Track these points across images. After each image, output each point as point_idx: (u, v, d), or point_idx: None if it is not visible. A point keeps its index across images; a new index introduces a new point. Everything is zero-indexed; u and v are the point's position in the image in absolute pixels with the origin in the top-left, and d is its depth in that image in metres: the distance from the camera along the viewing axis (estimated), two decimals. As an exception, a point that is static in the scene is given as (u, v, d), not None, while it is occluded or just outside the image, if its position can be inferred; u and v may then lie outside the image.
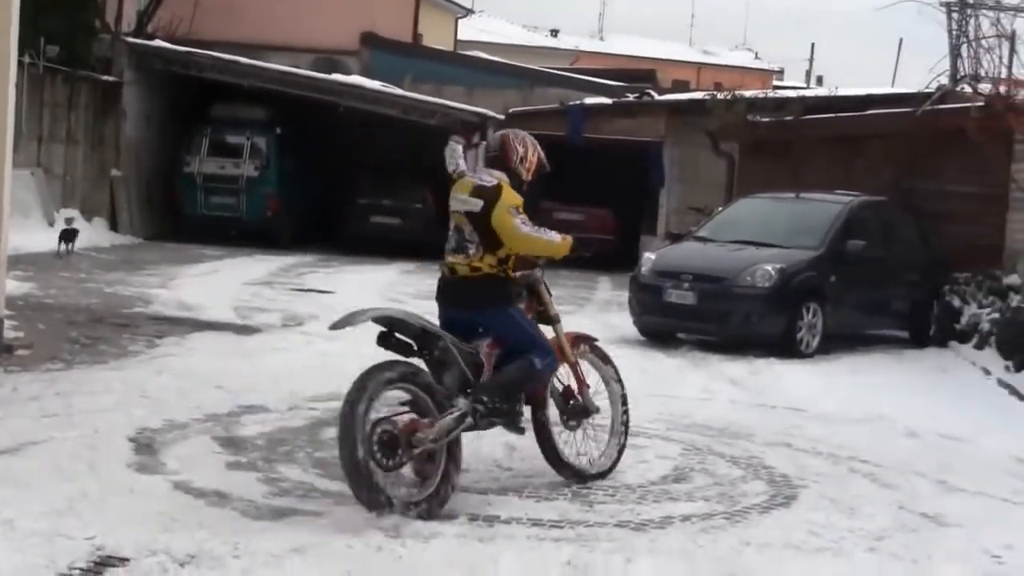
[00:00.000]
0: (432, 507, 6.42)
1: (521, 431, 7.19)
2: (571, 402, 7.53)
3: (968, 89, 16.65)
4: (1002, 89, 14.55)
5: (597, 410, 7.59)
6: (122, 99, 24.81)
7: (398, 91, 26.97)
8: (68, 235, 20.29)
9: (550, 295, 7.51)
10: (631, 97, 27.77)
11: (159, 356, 11.03)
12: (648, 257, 15.48)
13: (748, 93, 24.15)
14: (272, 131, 25.75)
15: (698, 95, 27.07)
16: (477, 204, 7.04)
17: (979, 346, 14.24)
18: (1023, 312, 13.29)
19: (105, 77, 24.56)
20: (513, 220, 7.00)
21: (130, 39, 25.75)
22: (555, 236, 7.21)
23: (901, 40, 31.27)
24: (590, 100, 27.38)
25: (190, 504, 6.33)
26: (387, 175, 26.61)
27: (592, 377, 7.69)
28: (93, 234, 22.39)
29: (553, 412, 7.45)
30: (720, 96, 23.73)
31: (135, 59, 25.26)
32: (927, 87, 19.04)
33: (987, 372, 13.07)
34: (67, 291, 15.20)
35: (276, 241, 24.99)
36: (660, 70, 42.66)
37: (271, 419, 8.61)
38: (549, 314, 7.46)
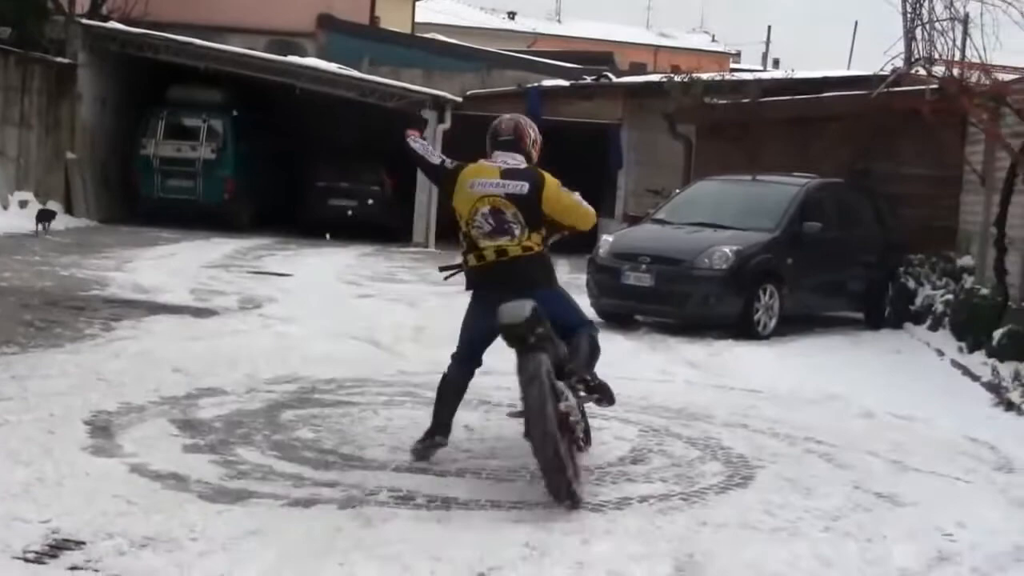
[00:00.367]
0: (581, 492, 6.46)
1: (614, 401, 7.38)
2: None
3: (922, 72, 16.73)
4: (955, 72, 14.61)
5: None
6: (77, 82, 24.62)
7: (355, 73, 26.90)
8: (45, 215, 20.45)
9: None
10: (589, 80, 27.79)
11: (115, 339, 10.95)
12: (606, 239, 15.51)
13: (705, 76, 24.26)
14: (229, 114, 25.64)
15: (655, 78, 27.17)
16: (522, 186, 7.12)
17: (933, 327, 14.35)
18: (976, 294, 13.41)
19: (59, 59, 24.35)
20: (573, 196, 7.30)
21: (84, 21, 25.53)
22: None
23: (856, 23, 31.51)
24: (548, 83, 27.40)
25: (147, 487, 6.29)
26: (345, 158, 26.58)
27: None
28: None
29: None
30: (677, 79, 23.82)
31: (89, 41, 25.06)
32: (882, 70, 19.16)
33: (941, 353, 13.17)
34: (21, 274, 15.07)
35: (234, 224, 24.93)
36: (617, 53, 42.66)
37: (229, 402, 8.57)
38: None
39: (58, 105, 24.22)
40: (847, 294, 16.09)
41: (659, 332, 14.14)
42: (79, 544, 5.35)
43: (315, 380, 9.54)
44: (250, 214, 25.96)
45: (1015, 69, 15.86)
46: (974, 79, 14.16)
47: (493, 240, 7.12)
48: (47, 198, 23.17)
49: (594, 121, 26.21)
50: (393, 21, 36.61)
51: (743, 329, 14.08)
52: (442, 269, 7.83)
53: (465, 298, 7.46)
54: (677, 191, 17.85)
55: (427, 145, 7.78)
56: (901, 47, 17.56)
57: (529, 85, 27.02)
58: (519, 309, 6.59)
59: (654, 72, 36.13)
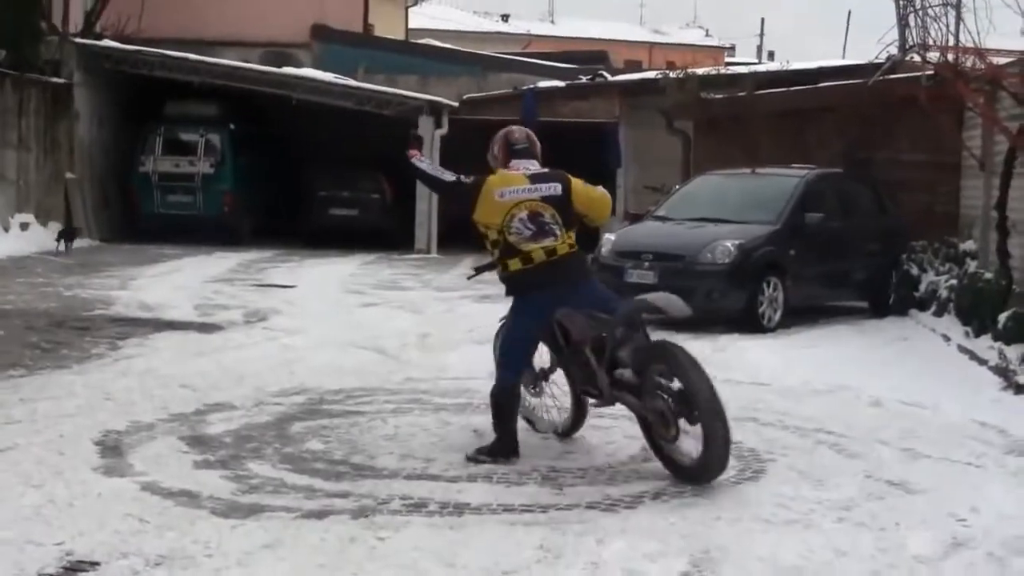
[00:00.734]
0: None
1: None
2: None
3: (917, 59, 16.72)
4: (950, 57, 14.60)
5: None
6: (73, 101, 24.62)
7: (351, 82, 26.88)
8: (67, 234, 21.40)
9: None
10: (584, 79, 27.78)
11: (122, 358, 10.96)
12: (608, 238, 15.49)
13: (700, 71, 24.21)
14: (226, 127, 25.64)
15: (651, 75, 27.11)
16: (555, 187, 7.58)
17: (938, 313, 14.33)
18: (980, 278, 13.40)
19: (55, 79, 24.34)
20: (599, 189, 7.82)
21: (78, 40, 25.52)
22: None
23: (850, 12, 31.50)
24: (543, 84, 27.38)
25: (159, 505, 6.30)
26: (344, 167, 26.56)
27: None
28: (49, 238, 22.21)
29: None
30: (672, 75, 23.77)
31: (84, 60, 25.06)
32: (877, 58, 19.13)
33: (947, 338, 13.16)
34: (25, 296, 15.08)
35: (235, 237, 24.92)
36: (612, 51, 42.65)
37: (237, 416, 8.57)
38: None
39: (55, 126, 24.23)
40: (851, 283, 16.08)
41: (664, 329, 14.04)
42: (93, 565, 5.35)
43: (323, 391, 9.54)
44: (251, 227, 25.97)
45: (1009, 52, 15.85)
46: (969, 64, 14.14)
47: (538, 242, 7.45)
48: (48, 219, 23.17)
49: (591, 120, 26.20)
50: (387, 28, 36.65)
51: (748, 322, 14.08)
52: (478, 271, 8.15)
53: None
54: (677, 187, 17.84)
55: (432, 163, 7.99)
56: (895, 34, 17.49)
57: (525, 87, 27.00)
58: (678, 301, 7.42)
59: (649, 69, 36.04)
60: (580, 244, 7.66)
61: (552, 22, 66.77)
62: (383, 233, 26.05)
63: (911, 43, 16.76)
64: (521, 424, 7.80)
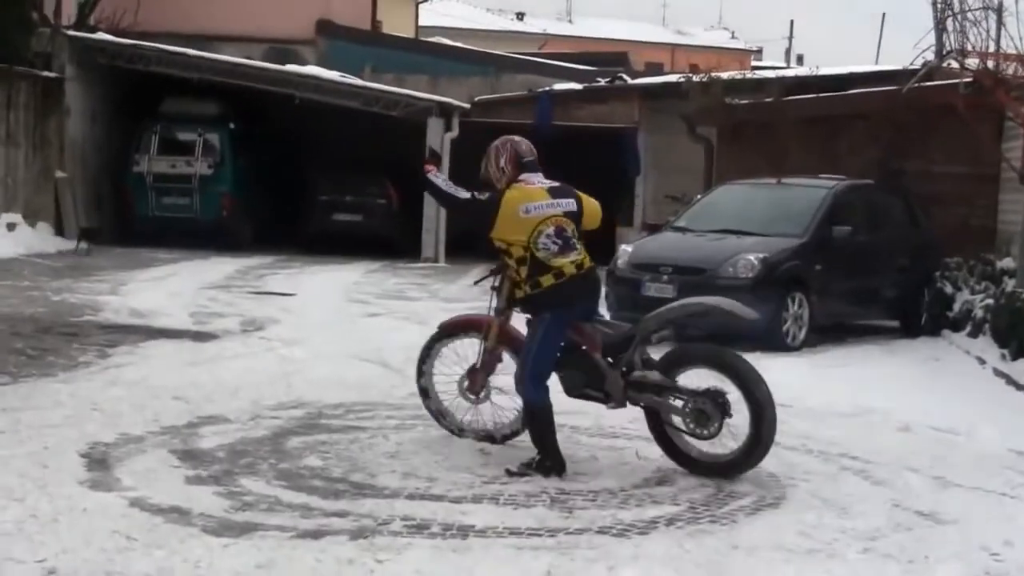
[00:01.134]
0: None
1: None
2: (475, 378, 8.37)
3: (955, 65, 16.73)
4: (990, 64, 14.61)
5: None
6: (65, 96, 24.66)
7: (358, 81, 26.92)
8: (88, 233, 22.25)
9: None
10: (602, 82, 27.81)
11: (111, 367, 10.97)
12: (625, 249, 15.50)
13: (725, 75, 24.27)
14: (225, 127, 25.68)
15: (673, 78, 27.19)
16: (571, 203, 7.92)
17: (973, 334, 14.31)
18: (1018, 297, 13.37)
19: (46, 73, 24.40)
20: (595, 202, 8.16)
21: (71, 32, 25.59)
22: None
23: (884, 15, 31.51)
24: (559, 86, 27.41)
25: (148, 522, 6.30)
26: (348, 170, 26.58)
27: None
28: (37, 239, 22.29)
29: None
30: (696, 79, 23.82)
31: (77, 53, 25.12)
32: (912, 64, 19.12)
33: (982, 361, 13.14)
34: (10, 300, 15.11)
35: (233, 242, 24.95)
36: (632, 53, 42.76)
37: (232, 430, 8.58)
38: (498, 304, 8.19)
39: (45, 121, 24.29)
40: (880, 301, 16.06)
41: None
42: (77, 583, 5.37)
43: (322, 405, 9.55)
44: (250, 231, 26.01)
45: (1053, 60, 15.84)
46: (1010, 71, 14.14)
47: (566, 256, 7.78)
48: (36, 220, 23.23)
49: (609, 125, 26.20)
50: (396, 26, 36.72)
51: (771, 340, 14.04)
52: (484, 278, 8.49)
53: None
54: (698, 197, 17.84)
55: (447, 180, 8.15)
56: (932, 39, 17.49)
57: (540, 89, 27.04)
58: (742, 307, 8.16)
59: (671, 72, 36.21)
60: (595, 254, 8.06)
61: (570, 21, 66.93)
62: (388, 240, 26.08)
63: (949, 49, 16.75)
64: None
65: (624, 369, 7.88)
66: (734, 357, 7.88)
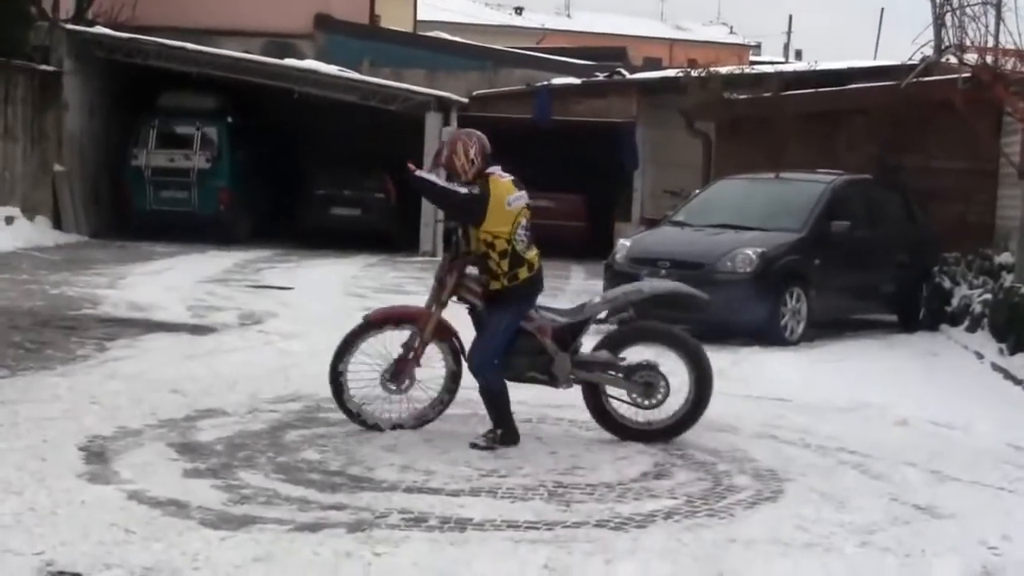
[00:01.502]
0: None
1: None
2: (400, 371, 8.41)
3: (954, 60, 16.72)
4: (989, 59, 14.60)
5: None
6: (63, 90, 24.63)
7: (356, 76, 26.91)
8: None
9: None
10: (601, 76, 27.79)
11: (109, 360, 10.97)
12: (623, 244, 15.51)
13: (724, 69, 24.21)
14: (223, 121, 25.64)
15: (671, 73, 27.12)
16: (526, 196, 8.25)
17: (971, 329, 14.31)
18: (1016, 292, 13.38)
19: (43, 67, 24.37)
20: None
21: (69, 26, 25.56)
22: None
23: (883, 10, 31.44)
24: (558, 81, 27.40)
25: (146, 515, 6.31)
26: (346, 164, 26.57)
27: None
28: (35, 233, 22.26)
29: None
30: (694, 73, 23.77)
31: (75, 47, 25.09)
32: (910, 59, 19.12)
33: (980, 356, 13.15)
34: (8, 293, 15.11)
35: (231, 236, 24.93)
36: (631, 47, 42.74)
37: (230, 423, 8.58)
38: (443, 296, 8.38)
39: (43, 115, 24.25)
40: (879, 296, 16.06)
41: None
42: (75, 576, 5.37)
43: (320, 398, 9.52)
44: (248, 225, 25.99)
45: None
46: (1009, 66, 14.14)
47: (532, 249, 8.21)
48: (34, 214, 23.20)
49: (607, 120, 26.20)
50: (394, 20, 36.69)
51: (769, 335, 14.06)
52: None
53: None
54: (696, 191, 17.84)
55: (439, 176, 8.19)
56: (930, 34, 17.50)
57: (538, 84, 27.04)
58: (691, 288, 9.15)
59: (670, 67, 36.12)
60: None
61: (568, 16, 66.92)
62: (386, 234, 26.06)
63: (947, 44, 16.76)
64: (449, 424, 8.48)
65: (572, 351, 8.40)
66: (679, 332, 8.72)
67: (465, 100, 26.20)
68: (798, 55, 57.54)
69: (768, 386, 11.29)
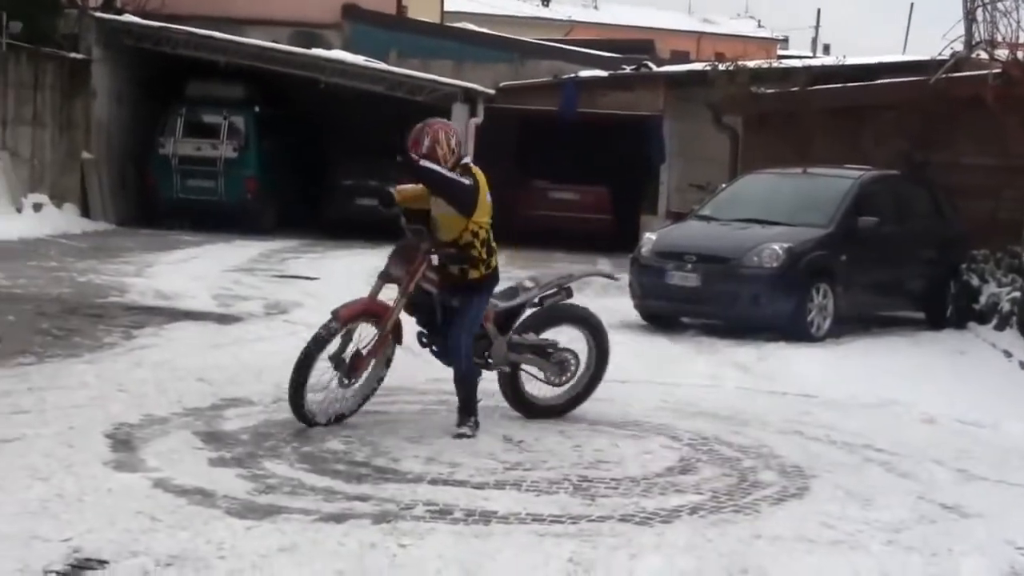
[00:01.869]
0: None
1: None
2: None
3: (984, 56, 16.63)
4: (1020, 55, 14.52)
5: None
6: (91, 78, 24.73)
7: (383, 66, 26.92)
8: None
9: None
10: (628, 69, 27.73)
11: (136, 348, 11.02)
12: (649, 237, 15.47)
13: (751, 63, 24.17)
14: (251, 110, 25.69)
15: (699, 66, 27.08)
16: None
17: (999, 327, 14.24)
18: (1044, 290, 13.32)
19: (72, 55, 24.48)
20: None
21: (98, 14, 25.65)
22: None
23: (912, 5, 31.32)
24: (585, 73, 27.34)
25: (171, 503, 6.33)
26: (372, 155, 26.55)
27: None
28: (63, 220, 22.36)
29: None
30: (722, 67, 23.72)
31: (104, 35, 25.18)
32: (940, 54, 19.00)
33: (1008, 354, 13.08)
34: (37, 280, 15.18)
35: (257, 225, 24.97)
36: (658, 40, 42.62)
37: (255, 412, 8.60)
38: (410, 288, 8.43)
39: (72, 103, 24.36)
40: (906, 293, 15.98)
41: (706, 335, 14.10)
42: (102, 563, 5.38)
43: (345, 389, 9.55)
44: (273, 215, 26.03)
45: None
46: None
47: (492, 240, 8.45)
48: (63, 201, 23.31)
49: (634, 113, 26.13)
50: (421, 10, 36.67)
51: (795, 331, 14.01)
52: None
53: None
54: (723, 186, 17.79)
55: (442, 167, 8.14)
56: (961, 29, 17.42)
57: (565, 76, 26.98)
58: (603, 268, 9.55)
59: (697, 60, 36.10)
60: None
61: (595, 8, 66.73)
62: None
63: (978, 39, 16.68)
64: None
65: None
66: (590, 313, 9.17)
67: (492, 92, 26.18)
68: (826, 49, 57.27)
69: (794, 382, 11.27)
